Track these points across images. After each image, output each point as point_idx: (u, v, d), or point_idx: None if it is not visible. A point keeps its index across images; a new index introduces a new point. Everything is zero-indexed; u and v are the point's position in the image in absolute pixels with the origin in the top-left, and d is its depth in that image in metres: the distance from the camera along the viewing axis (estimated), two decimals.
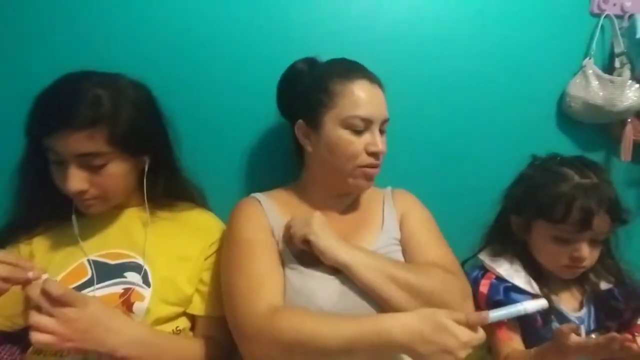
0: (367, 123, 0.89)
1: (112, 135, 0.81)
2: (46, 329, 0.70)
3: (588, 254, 0.91)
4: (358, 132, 0.89)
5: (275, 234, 0.90)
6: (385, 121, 0.92)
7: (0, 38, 1.05)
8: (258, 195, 0.97)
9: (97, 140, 0.80)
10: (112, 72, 0.88)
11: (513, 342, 0.92)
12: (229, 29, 1.10)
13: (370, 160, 0.90)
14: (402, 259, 0.92)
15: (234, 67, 1.10)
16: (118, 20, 1.07)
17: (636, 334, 0.75)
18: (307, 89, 0.92)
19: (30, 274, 0.72)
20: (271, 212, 0.93)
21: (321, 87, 0.90)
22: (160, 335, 0.85)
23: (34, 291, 0.71)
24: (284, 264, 0.87)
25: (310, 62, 0.98)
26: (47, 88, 0.83)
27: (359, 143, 0.89)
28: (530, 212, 0.95)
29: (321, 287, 0.83)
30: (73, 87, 0.81)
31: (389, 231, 0.95)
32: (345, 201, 0.98)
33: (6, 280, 0.72)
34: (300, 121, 0.93)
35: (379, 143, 0.90)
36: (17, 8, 1.05)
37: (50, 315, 0.71)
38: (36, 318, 0.70)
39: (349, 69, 0.91)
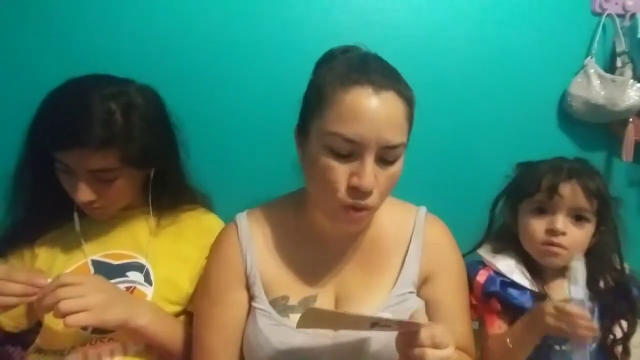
0: (355, 146, 0.67)
1: (124, 154, 0.82)
2: (78, 308, 0.70)
3: (563, 226, 0.92)
4: (342, 157, 0.68)
5: (248, 265, 0.81)
6: (390, 147, 0.68)
7: (1, 39, 1.05)
8: (242, 218, 0.85)
9: (109, 158, 0.81)
10: (120, 77, 0.88)
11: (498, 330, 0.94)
12: (234, 32, 1.10)
13: (350, 200, 0.69)
14: (414, 307, 0.76)
15: (240, 68, 1.10)
16: (124, 21, 1.07)
17: None
18: (308, 86, 0.78)
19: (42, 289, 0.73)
20: (247, 239, 0.82)
21: (315, 88, 0.73)
22: (171, 316, 0.88)
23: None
24: (252, 310, 0.79)
25: (340, 51, 0.80)
26: (54, 97, 0.82)
27: (341, 171, 0.68)
28: (515, 198, 1.00)
29: (311, 349, 0.72)
30: (83, 99, 0.80)
31: (408, 278, 0.81)
32: None
33: (20, 296, 0.73)
34: (296, 124, 0.79)
35: (365, 175, 0.66)
36: (18, 8, 1.05)
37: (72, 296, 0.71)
38: (65, 304, 0.69)
39: (353, 70, 0.70)
